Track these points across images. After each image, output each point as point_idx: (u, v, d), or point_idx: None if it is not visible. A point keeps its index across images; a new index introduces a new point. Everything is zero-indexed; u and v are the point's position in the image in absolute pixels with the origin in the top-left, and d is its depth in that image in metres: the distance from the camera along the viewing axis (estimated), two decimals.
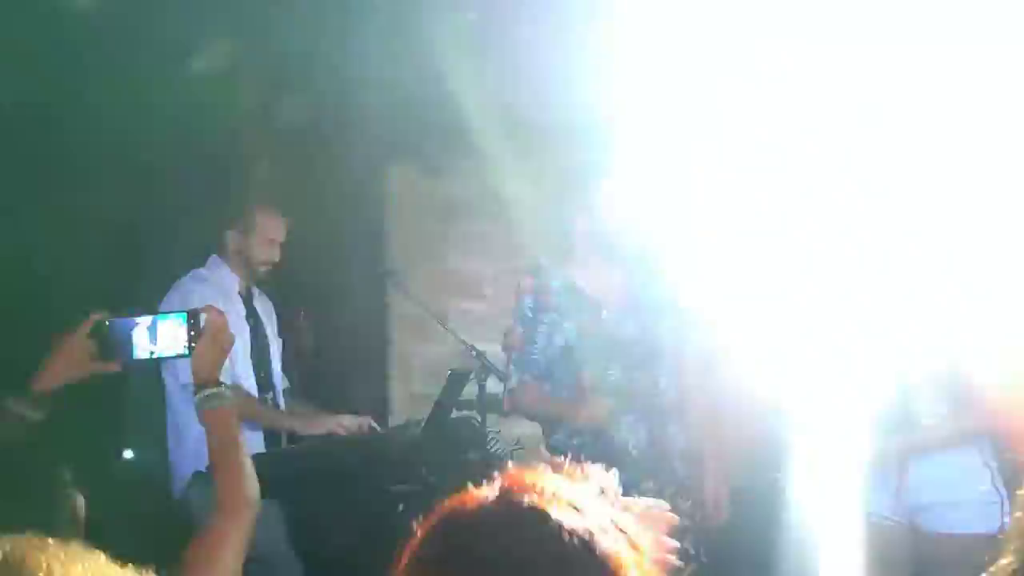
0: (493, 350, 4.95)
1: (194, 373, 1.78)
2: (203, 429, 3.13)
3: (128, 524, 2.61)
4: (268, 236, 3.32)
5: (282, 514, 3.25)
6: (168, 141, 3.45)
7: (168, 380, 3.15)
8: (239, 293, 3.34)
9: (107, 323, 1.81)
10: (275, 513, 3.20)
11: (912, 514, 2.62)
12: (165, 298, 3.20)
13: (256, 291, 3.45)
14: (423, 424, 2.82)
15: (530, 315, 2.90)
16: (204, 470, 3.01)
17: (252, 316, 3.32)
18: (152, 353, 1.83)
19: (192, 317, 1.80)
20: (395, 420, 5.03)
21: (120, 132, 3.12)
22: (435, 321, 3.64)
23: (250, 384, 3.25)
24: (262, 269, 3.34)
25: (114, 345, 1.81)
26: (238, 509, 1.63)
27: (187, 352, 1.80)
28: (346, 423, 3.17)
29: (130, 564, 0.99)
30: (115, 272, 3.33)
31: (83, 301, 3.06)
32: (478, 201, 5.18)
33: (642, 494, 2.66)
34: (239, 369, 3.17)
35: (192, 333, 1.79)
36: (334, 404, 5.14)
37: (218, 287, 3.27)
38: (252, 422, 3.21)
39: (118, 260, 3.38)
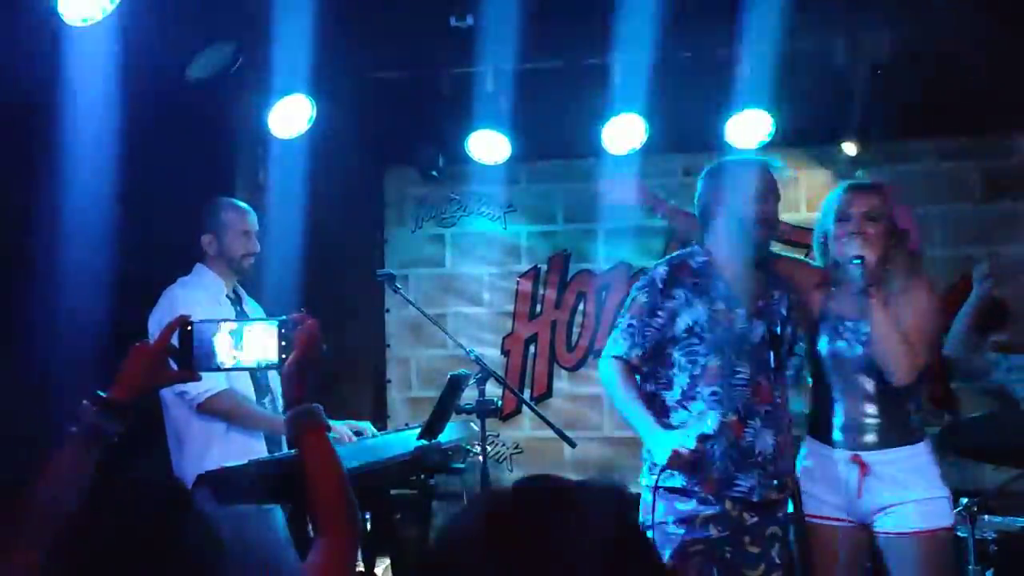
0: (491, 354, 4.98)
1: (284, 389, 1.64)
2: (203, 433, 3.18)
3: None
4: (239, 229, 3.36)
5: (285, 518, 3.26)
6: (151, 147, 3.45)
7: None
8: (227, 296, 3.36)
9: (190, 328, 1.67)
10: (278, 517, 3.21)
11: (868, 516, 2.66)
12: (155, 307, 3.21)
13: (244, 294, 3.46)
14: (421, 428, 2.82)
15: (660, 286, 2.74)
16: (205, 473, 3.04)
17: (241, 318, 3.33)
18: (237, 361, 1.69)
19: (283, 325, 1.67)
20: (393, 424, 5.05)
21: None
22: (433, 325, 3.64)
23: (246, 386, 3.25)
24: (244, 263, 3.36)
25: (196, 352, 1.67)
26: (344, 530, 1.51)
27: (278, 363, 1.66)
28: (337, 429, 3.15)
29: None
30: (110, 281, 3.33)
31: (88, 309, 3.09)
32: (478, 204, 5.20)
33: (768, 500, 2.68)
34: (235, 373, 3.18)
35: (283, 343, 1.66)
36: (332, 408, 5.14)
37: (206, 291, 3.29)
38: (251, 428, 3.21)
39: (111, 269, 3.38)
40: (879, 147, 4.61)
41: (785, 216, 4.75)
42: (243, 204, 3.49)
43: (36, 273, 3.12)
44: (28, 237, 3.13)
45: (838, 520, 2.69)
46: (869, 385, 2.66)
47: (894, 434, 2.64)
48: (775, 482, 2.68)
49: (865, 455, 2.63)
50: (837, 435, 2.69)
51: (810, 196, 4.89)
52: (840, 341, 2.70)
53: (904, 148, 4.76)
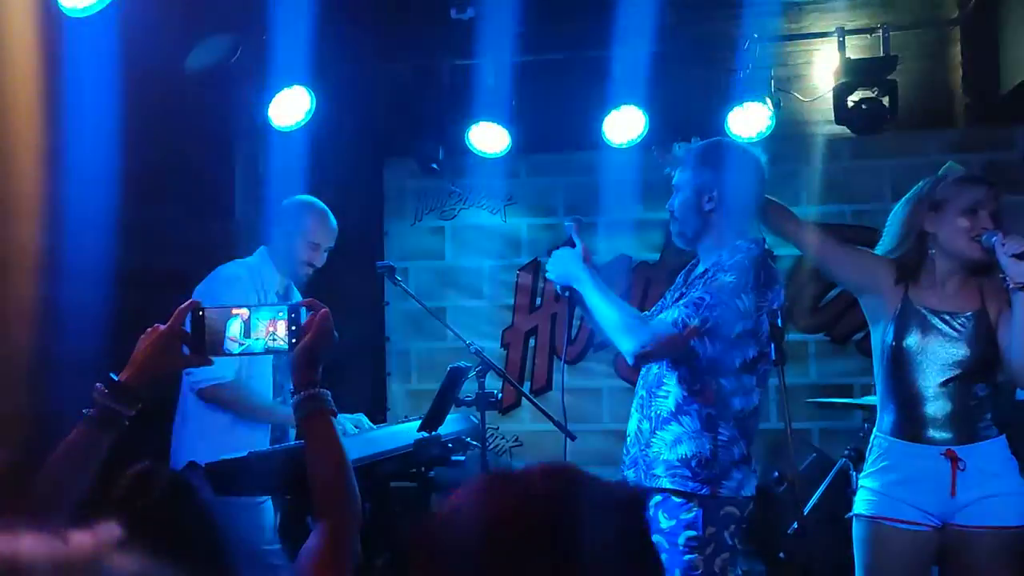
0: (491, 347, 4.97)
1: (293, 373, 1.64)
2: (204, 420, 3.17)
3: None
4: (312, 239, 3.31)
5: (279, 511, 3.26)
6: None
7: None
8: (277, 292, 3.31)
9: (201, 313, 1.68)
10: (267, 509, 3.20)
11: (954, 514, 2.56)
12: (202, 282, 3.18)
13: (295, 293, 3.42)
14: (421, 421, 2.82)
15: None
16: (197, 460, 3.05)
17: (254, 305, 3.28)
18: (248, 347, 1.70)
19: (293, 311, 1.68)
20: (392, 416, 5.04)
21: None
22: (433, 317, 3.63)
23: (264, 385, 3.23)
24: (300, 270, 3.31)
25: (208, 337, 1.68)
26: (344, 515, 1.50)
27: (287, 347, 1.68)
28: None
29: None
30: (110, 270, 3.33)
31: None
32: (478, 197, 5.20)
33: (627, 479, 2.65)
34: (255, 369, 3.15)
35: (293, 328, 1.67)
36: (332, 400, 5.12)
37: (256, 280, 3.24)
38: (254, 420, 3.19)
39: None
40: (879, 140, 4.61)
41: None
42: (330, 216, 3.40)
43: (36, 262, 3.12)
44: (29, 227, 3.12)
45: (917, 524, 2.58)
46: (963, 377, 2.58)
47: (980, 427, 2.58)
48: (632, 465, 2.60)
49: (958, 449, 2.55)
50: (925, 431, 2.59)
51: (810, 189, 4.89)
52: (931, 335, 2.60)
53: (906, 139, 4.75)
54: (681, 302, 2.48)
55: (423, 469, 2.78)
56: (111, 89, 3.13)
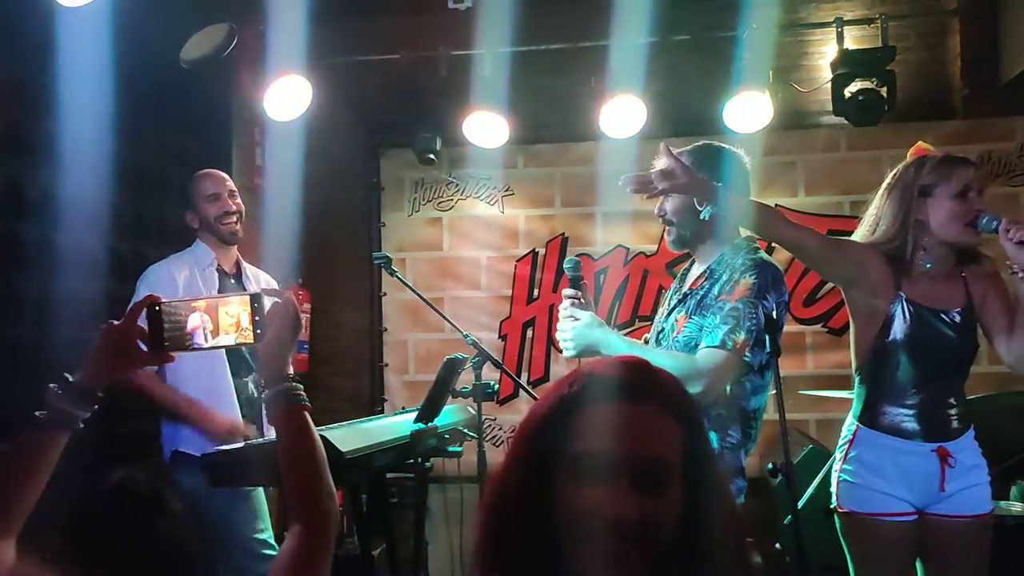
0: (488, 338, 4.97)
1: (261, 365, 1.52)
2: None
3: None
4: (206, 194, 3.33)
5: (270, 502, 3.25)
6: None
7: None
8: (220, 269, 3.30)
9: (158, 308, 1.55)
10: (259, 495, 3.20)
11: (935, 505, 2.56)
12: (136, 285, 3.18)
13: (246, 267, 3.41)
14: (418, 412, 2.81)
15: None
16: (182, 451, 3.03)
17: (218, 293, 3.23)
18: (218, 341, 1.58)
19: (255, 301, 1.57)
20: (389, 407, 5.04)
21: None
22: (430, 308, 3.62)
23: (219, 363, 3.20)
24: (221, 226, 3.32)
25: (170, 333, 1.56)
26: (319, 518, 1.40)
27: (253, 340, 1.56)
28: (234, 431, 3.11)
29: None
30: (106, 263, 3.31)
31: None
32: (475, 188, 5.18)
33: None
34: (192, 360, 3.09)
35: (257, 319, 1.56)
36: (327, 391, 5.15)
37: (189, 263, 3.26)
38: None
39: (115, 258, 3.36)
40: (877, 130, 4.59)
41: (783, 200, 4.79)
42: (211, 170, 3.43)
43: (31, 254, 3.11)
44: (23, 218, 3.11)
45: (903, 515, 2.56)
46: (952, 373, 2.56)
47: (962, 422, 2.57)
48: None
49: (948, 445, 2.54)
50: (915, 425, 2.56)
51: (808, 179, 4.88)
52: (922, 331, 2.55)
53: (905, 131, 4.73)
54: (715, 321, 2.40)
55: (420, 460, 2.77)
56: (106, 80, 3.11)
